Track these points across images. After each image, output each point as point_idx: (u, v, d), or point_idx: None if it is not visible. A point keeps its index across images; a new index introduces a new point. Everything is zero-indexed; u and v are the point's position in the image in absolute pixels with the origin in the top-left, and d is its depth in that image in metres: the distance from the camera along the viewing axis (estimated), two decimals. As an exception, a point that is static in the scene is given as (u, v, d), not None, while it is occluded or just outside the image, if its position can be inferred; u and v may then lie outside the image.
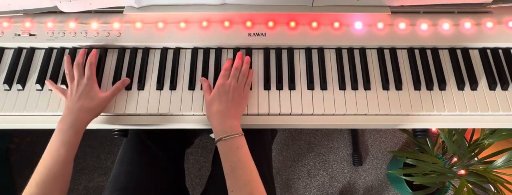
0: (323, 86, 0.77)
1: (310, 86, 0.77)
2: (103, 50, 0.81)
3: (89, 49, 0.80)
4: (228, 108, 0.70)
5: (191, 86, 0.78)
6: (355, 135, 1.60)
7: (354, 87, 0.77)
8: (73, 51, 0.81)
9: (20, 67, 0.80)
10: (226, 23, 0.81)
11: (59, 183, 0.63)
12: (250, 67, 0.79)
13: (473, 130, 1.22)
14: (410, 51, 0.81)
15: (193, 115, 0.76)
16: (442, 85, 0.78)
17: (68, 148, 0.65)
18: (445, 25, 0.81)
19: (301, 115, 0.76)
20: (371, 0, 0.80)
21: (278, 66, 0.79)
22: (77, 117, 0.68)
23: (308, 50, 0.81)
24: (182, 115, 0.76)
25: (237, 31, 0.81)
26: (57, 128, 0.67)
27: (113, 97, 0.75)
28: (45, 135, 1.55)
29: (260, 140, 0.93)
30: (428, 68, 0.79)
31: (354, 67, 0.79)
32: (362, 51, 0.81)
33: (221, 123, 0.69)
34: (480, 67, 0.80)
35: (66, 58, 0.78)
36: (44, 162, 0.64)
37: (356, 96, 0.77)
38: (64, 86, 0.77)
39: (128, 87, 0.78)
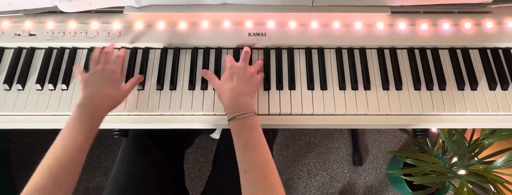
0: (323, 86, 0.77)
1: (310, 86, 0.77)
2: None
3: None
4: (240, 86, 0.69)
5: (191, 86, 0.78)
6: (355, 135, 1.60)
7: (354, 87, 0.77)
8: (73, 51, 0.81)
9: (20, 67, 0.80)
10: (226, 23, 0.81)
11: (73, 171, 0.58)
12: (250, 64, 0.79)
13: (473, 130, 1.22)
14: (410, 51, 0.81)
15: (193, 114, 0.76)
16: (442, 86, 0.78)
17: (86, 136, 0.60)
18: (445, 25, 0.81)
19: (301, 115, 0.76)
20: (371, 0, 0.80)
21: (278, 66, 0.79)
22: (99, 104, 0.64)
23: (308, 50, 0.81)
24: (182, 115, 0.76)
25: (237, 31, 0.81)
26: (75, 112, 0.62)
27: (131, 89, 0.73)
28: (45, 135, 1.55)
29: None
30: (428, 68, 0.79)
31: (354, 67, 0.79)
32: (362, 51, 0.81)
33: (233, 100, 0.67)
34: (480, 67, 0.80)
35: (97, 48, 0.77)
36: (59, 148, 0.58)
37: (356, 97, 0.77)
38: (64, 86, 0.77)
39: (128, 87, 0.77)
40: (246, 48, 0.78)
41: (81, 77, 0.70)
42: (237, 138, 0.64)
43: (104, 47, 0.78)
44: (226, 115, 0.69)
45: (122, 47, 0.81)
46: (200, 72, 0.79)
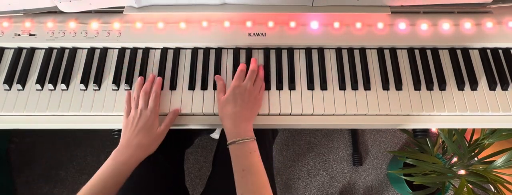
0: (323, 87, 0.77)
1: (310, 87, 0.77)
2: (103, 50, 0.81)
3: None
4: (242, 111, 0.70)
5: (191, 87, 0.78)
6: (355, 135, 1.60)
7: (354, 87, 0.77)
8: (73, 51, 0.81)
9: (20, 67, 0.80)
10: (226, 23, 0.81)
11: None
12: None
13: (473, 130, 1.22)
14: (410, 51, 0.81)
15: (193, 115, 0.76)
16: (442, 86, 0.78)
17: (116, 181, 0.66)
18: (445, 25, 0.81)
19: (301, 115, 0.76)
20: (371, 0, 0.80)
21: (278, 66, 0.79)
22: (133, 154, 0.68)
23: (308, 50, 0.81)
24: (182, 115, 0.76)
25: (237, 31, 0.81)
26: (112, 156, 0.68)
27: (167, 130, 0.73)
28: (45, 135, 1.56)
29: (261, 140, 0.92)
30: (428, 68, 0.79)
31: (354, 67, 0.79)
32: (362, 51, 0.81)
33: (235, 125, 0.69)
34: (480, 67, 0.80)
35: (139, 80, 0.75)
36: (91, 187, 0.64)
37: (356, 97, 0.77)
38: (64, 86, 0.77)
39: (129, 88, 0.77)
40: (252, 66, 0.76)
41: (125, 116, 0.73)
42: (236, 162, 0.67)
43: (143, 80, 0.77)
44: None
45: (122, 47, 0.81)
46: (200, 72, 0.79)
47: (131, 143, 0.69)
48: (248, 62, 0.79)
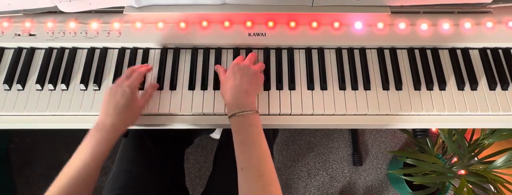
0: (323, 87, 0.77)
1: (310, 87, 0.77)
2: (103, 50, 0.81)
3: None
4: (243, 84, 0.69)
5: (191, 86, 0.77)
6: (355, 135, 1.60)
7: (354, 87, 0.77)
8: (73, 51, 0.81)
9: (20, 67, 0.80)
10: (226, 23, 0.81)
11: (84, 189, 0.62)
12: None
13: (473, 130, 1.22)
14: (410, 51, 0.81)
15: (193, 115, 0.76)
16: (442, 86, 0.78)
17: (97, 158, 0.63)
18: (445, 25, 0.81)
19: (301, 115, 0.76)
20: (371, 0, 0.80)
21: (278, 66, 0.79)
22: (112, 128, 0.66)
23: (308, 50, 0.81)
24: (182, 115, 0.76)
25: (237, 31, 0.81)
26: (90, 134, 0.65)
27: (146, 104, 0.73)
28: (45, 135, 1.56)
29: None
30: (428, 68, 0.79)
31: (354, 67, 0.79)
32: (362, 51, 0.81)
33: (235, 97, 0.67)
34: (480, 67, 0.80)
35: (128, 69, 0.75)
36: (70, 167, 0.62)
37: (356, 97, 0.77)
38: (64, 86, 0.77)
39: (128, 87, 0.77)
40: (253, 52, 0.79)
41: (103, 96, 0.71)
42: (236, 135, 0.64)
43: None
44: (226, 114, 0.69)
45: (122, 47, 0.81)
46: (200, 72, 0.79)
47: (109, 118, 0.66)
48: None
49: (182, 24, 0.81)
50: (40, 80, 0.78)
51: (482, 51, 0.82)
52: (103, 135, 0.65)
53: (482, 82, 0.78)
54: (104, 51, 0.81)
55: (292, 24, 0.81)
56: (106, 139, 0.65)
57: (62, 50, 0.82)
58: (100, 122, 0.66)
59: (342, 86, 0.77)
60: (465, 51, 0.82)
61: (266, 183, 0.58)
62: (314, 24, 0.81)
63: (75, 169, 0.61)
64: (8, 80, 0.78)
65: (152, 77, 0.79)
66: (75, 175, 0.61)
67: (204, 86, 0.78)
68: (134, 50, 0.81)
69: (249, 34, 0.81)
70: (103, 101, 0.69)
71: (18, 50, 0.82)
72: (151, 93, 0.75)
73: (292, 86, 0.77)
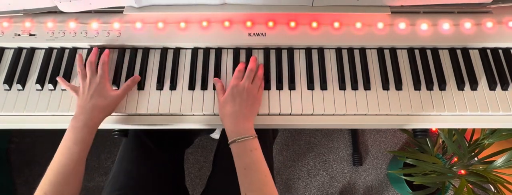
0: (323, 86, 0.77)
1: (310, 87, 0.77)
2: (103, 50, 0.81)
3: (101, 49, 0.80)
4: (241, 109, 0.70)
5: (191, 87, 0.77)
6: (355, 135, 1.60)
7: (354, 87, 0.77)
8: (73, 51, 0.81)
9: (20, 67, 0.80)
10: (226, 23, 0.81)
11: (72, 181, 0.63)
12: None
13: (473, 130, 1.22)
14: (410, 51, 0.81)
15: (193, 115, 0.76)
16: (442, 86, 0.78)
17: (81, 147, 0.65)
18: (445, 25, 0.81)
19: (301, 115, 0.76)
20: (371, 0, 0.80)
21: (278, 66, 0.79)
22: (90, 116, 0.68)
23: (308, 50, 0.81)
24: (182, 115, 0.76)
25: (237, 31, 0.81)
26: (69, 126, 0.67)
27: (125, 95, 0.75)
28: (45, 135, 1.56)
29: (261, 140, 0.92)
30: (428, 68, 0.79)
31: (354, 67, 0.79)
32: (362, 51, 0.81)
33: (235, 124, 0.69)
34: (480, 67, 0.80)
35: (78, 56, 0.78)
36: (57, 160, 0.64)
37: (356, 97, 0.77)
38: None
39: (128, 87, 0.78)
40: (251, 65, 0.76)
41: (73, 93, 0.74)
42: (238, 160, 0.66)
43: (87, 57, 0.79)
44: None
45: (122, 47, 0.81)
46: (200, 72, 0.79)
47: (86, 107, 0.68)
48: (248, 62, 0.79)
49: (182, 24, 0.81)
50: (40, 80, 0.78)
51: (482, 51, 0.82)
52: (83, 124, 0.66)
53: (482, 82, 0.78)
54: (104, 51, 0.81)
55: (292, 24, 0.81)
56: (87, 127, 0.66)
57: (62, 50, 0.82)
58: (76, 113, 0.69)
59: (342, 87, 0.77)
60: (465, 51, 0.82)
61: None
62: (314, 24, 0.81)
63: (61, 160, 0.63)
64: (8, 80, 0.78)
65: (152, 77, 0.79)
66: (62, 166, 0.63)
67: (204, 87, 0.78)
68: (134, 50, 0.81)
69: (249, 34, 0.81)
70: (78, 99, 0.72)
71: (18, 50, 0.82)
72: (130, 85, 0.75)
73: (292, 86, 0.77)
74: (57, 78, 0.76)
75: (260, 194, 0.62)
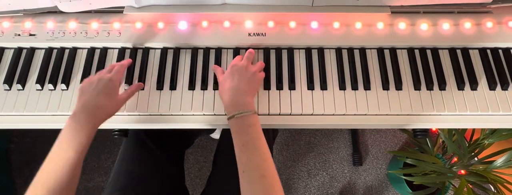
0: (323, 86, 0.77)
1: (310, 86, 0.77)
2: (103, 50, 0.81)
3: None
4: (240, 85, 0.69)
5: (191, 86, 0.77)
6: (355, 135, 1.60)
7: (354, 87, 0.77)
8: (73, 51, 0.81)
9: (20, 67, 0.80)
10: (226, 23, 0.81)
11: (68, 185, 0.57)
12: None
13: (473, 130, 1.22)
14: (410, 51, 0.81)
15: (193, 115, 0.76)
16: (442, 86, 0.78)
17: (78, 150, 0.58)
18: (445, 25, 0.81)
19: (301, 115, 0.76)
20: (371, 0, 0.80)
21: (278, 66, 0.79)
22: (91, 116, 0.62)
23: (308, 50, 0.81)
24: (182, 115, 0.76)
25: (237, 31, 0.81)
26: (66, 125, 0.60)
27: (128, 98, 0.72)
28: (45, 135, 1.55)
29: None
30: (428, 68, 0.79)
31: (354, 67, 0.79)
32: (362, 51, 0.81)
33: (233, 99, 0.67)
34: (480, 67, 0.80)
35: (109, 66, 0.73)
36: (52, 162, 0.57)
37: (356, 97, 0.77)
38: (64, 86, 0.77)
39: (128, 87, 0.78)
40: (250, 50, 0.78)
41: (80, 86, 0.68)
42: (235, 137, 0.64)
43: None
44: (225, 114, 0.69)
45: (122, 47, 0.81)
46: (200, 72, 0.79)
47: (89, 105, 0.63)
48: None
49: (182, 24, 0.81)
50: (40, 80, 0.78)
51: (482, 51, 0.82)
52: (82, 124, 0.60)
53: (482, 82, 0.78)
54: (104, 51, 0.81)
55: (292, 24, 0.81)
56: (86, 128, 0.61)
57: (62, 50, 0.82)
58: (77, 110, 0.63)
59: (342, 86, 0.77)
60: (465, 51, 0.82)
61: (268, 184, 0.58)
62: (314, 24, 0.81)
63: (57, 163, 0.57)
64: (8, 80, 0.78)
65: (152, 77, 0.79)
66: (58, 169, 0.56)
67: (204, 87, 0.78)
68: (134, 50, 0.81)
69: (249, 34, 0.81)
70: (80, 90, 0.66)
71: (18, 50, 0.82)
72: (134, 90, 0.73)
73: (292, 86, 0.77)
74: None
75: (258, 172, 0.59)
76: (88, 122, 0.61)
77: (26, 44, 0.81)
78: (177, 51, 0.81)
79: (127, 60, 0.76)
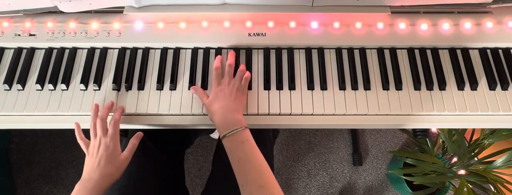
0: (323, 86, 0.77)
1: (310, 86, 0.77)
2: (103, 50, 0.81)
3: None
4: (227, 103, 0.69)
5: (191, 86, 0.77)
6: (355, 135, 1.60)
7: (354, 87, 0.77)
8: (73, 51, 0.81)
9: (20, 67, 0.80)
10: (226, 23, 0.81)
11: None
12: (250, 68, 0.79)
13: (473, 130, 1.22)
14: (410, 51, 0.81)
15: (193, 115, 0.76)
16: (442, 86, 0.78)
17: None
18: (445, 25, 0.81)
19: (301, 115, 0.76)
20: (371, 0, 0.80)
21: (278, 66, 0.79)
22: (96, 184, 0.65)
23: (308, 50, 0.81)
24: (182, 114, 0.76)
25: (237, 31, 0.81)
26: (75, 191, 0.65)
27: (131, 156, 0.72)
28: (45, 135, 1.56)
29: (261, 140, 0.93)
30: (428, 68, 0.79)
31: (354, 67, 0.79)
32: (362, 51, 0.81)
33: (223, 119, 0.68)
34: (480, 67, 0.80)
35: (94, 107, 0.72)
36: None
37: (356, 97, 0.77)
38: (64, 86, 0.77)
39: (128, 88, 0.77)
40: (229, 61, 0.76)
41: (84, 147, 0.71)
42: (230, 154, 0.66)
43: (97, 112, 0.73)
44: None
45: (122, 47, 0.81)
46: (200, 72, 0.79)
47: (94, 175, 0.66)
48: (248, 62, 0.79)
49: (182, 24, 0.81)
50: (40, 80, 0.78)
51: (482, 51, 0.82)
52: (89, 191, 0.65)
53: (482, 82, 0.78)
54: (104, 51, 0.81)
55: (292, 24, 0.81)
56: (95, 193, 0.65)
57: (62, 50, 0.82)
58: (84, 178, 0.66)
59: (342, 87, 0.77)
60: (465, 51, 0.82)
61: (268, 193, 0.59)
62: (314, 24, 0.81)
63: None
64: (8, 80, 0.78)
65: (152, 77, 0.79)
66: None
67: (204, 87, 0.78)
68: (134, 50, 0.81)
69: (249, 34, 0.81)
70: (87, 158, 0.69)
71: (18, 50, 0.82)
72: (135, 144, 0.73)
73: (292, 86, 0.77)
74: (76, 127, 0.72)
75: (256, 185, 0.60)
76: (93, 190, 0.65)
77: (26, 44, 0.81)
78: (177, 51, 0.81)
79: (118, 114, 0.73)
